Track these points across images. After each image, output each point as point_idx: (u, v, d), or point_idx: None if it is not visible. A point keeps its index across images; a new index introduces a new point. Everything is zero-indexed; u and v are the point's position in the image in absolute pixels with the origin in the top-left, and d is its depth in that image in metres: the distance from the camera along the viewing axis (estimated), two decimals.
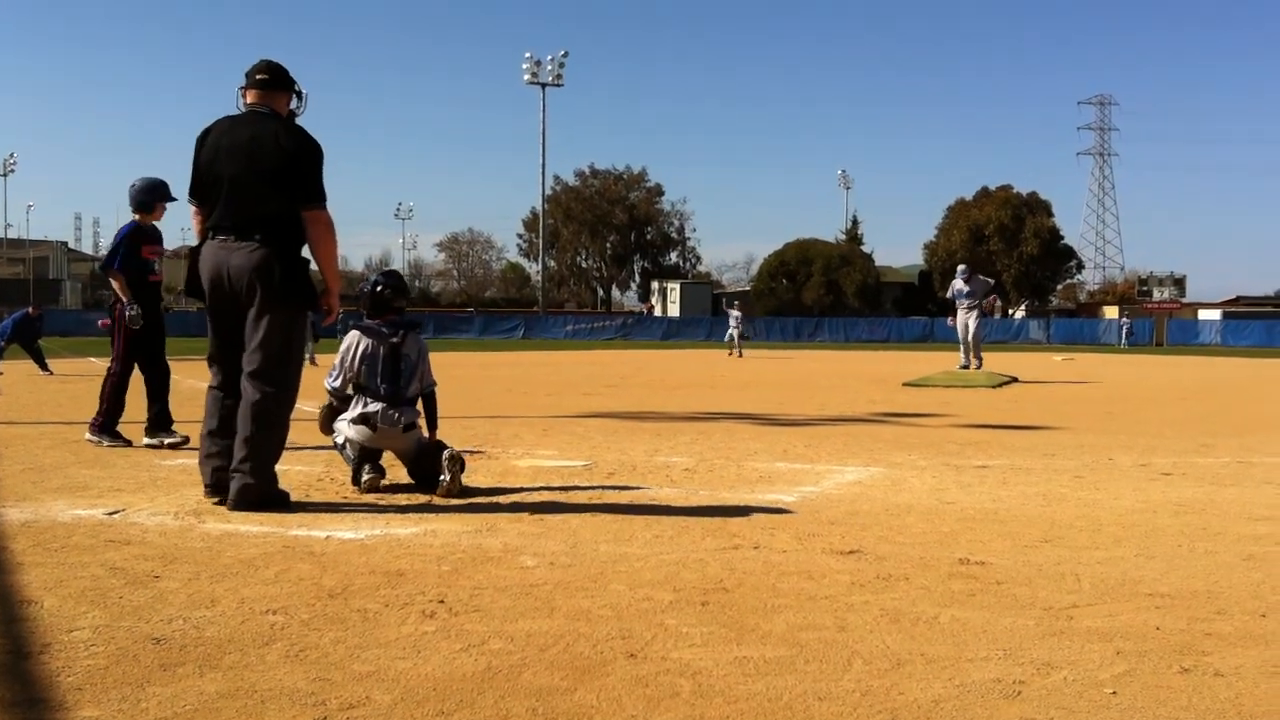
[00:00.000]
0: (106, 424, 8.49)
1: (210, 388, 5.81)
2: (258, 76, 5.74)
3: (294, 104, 5.88)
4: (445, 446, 6.14)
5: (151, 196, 8.63)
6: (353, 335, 6.34)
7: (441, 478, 5.98)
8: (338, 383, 6.36)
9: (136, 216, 8.68)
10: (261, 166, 5.55)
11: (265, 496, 5.61)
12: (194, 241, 6.02)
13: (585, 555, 4.63)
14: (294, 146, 5.59)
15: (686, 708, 2.83)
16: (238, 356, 5.69)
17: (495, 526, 5.24)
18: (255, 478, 5.55)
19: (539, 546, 4.79)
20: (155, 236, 8.80)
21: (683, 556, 4.61)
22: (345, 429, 6.22)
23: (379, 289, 6.43)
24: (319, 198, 5.63)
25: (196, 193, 5.78)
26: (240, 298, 5.58)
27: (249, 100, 5.75)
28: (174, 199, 8.51)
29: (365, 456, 6.21)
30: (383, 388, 6.19)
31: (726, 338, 38.27)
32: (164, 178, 8.79)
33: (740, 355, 36.17)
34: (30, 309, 23.22)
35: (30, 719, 2.71)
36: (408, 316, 6.55)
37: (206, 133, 5.76)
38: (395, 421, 6.14)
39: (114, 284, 8.57)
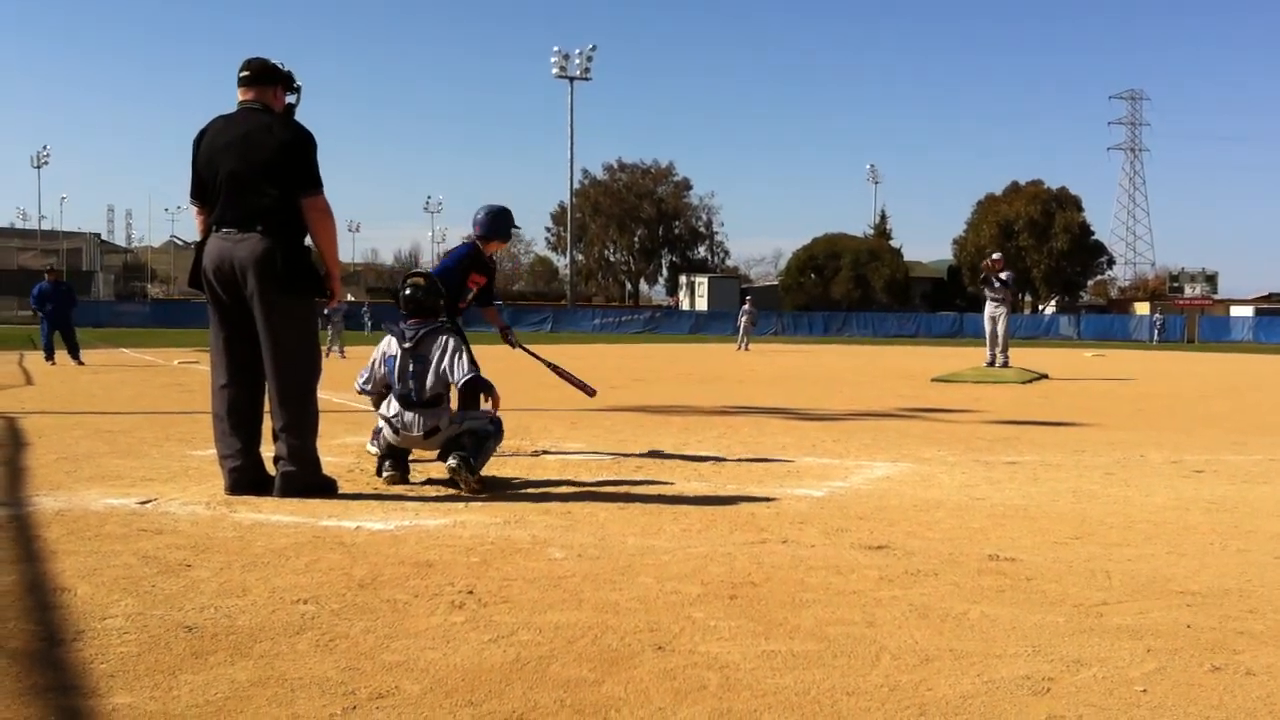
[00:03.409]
0: None
1: (219, 387, 5.82)
2: (243, 74, 5.84)
3: (290, 98, 5.94)
4: (454, 454, 6.01)
5: (494, 229, 7.81)
6: (386, 338, 6.34)
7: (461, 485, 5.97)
8: (367, 385, 6.37)
9: (478, 241, 7.80)
10: (257, 160, 5.63)
11: (310, 483, 5.70)
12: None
13: (613, 548, 4.63)
14: (287, 137, 5.68)
15: (714, 701, 2.83)
16: (242, 347, 5.76)
17: (524, 518, 5.25)
18: (297, 465, 5.68)
19: (567, 539, 4.80)
20: (485, 268, 7.85)
21: (710, 550, 4.61)
22: (379, 418, 6.23)
23: (406, 292, 6.38)
24: (315, 184, 5.71)
25: (197, 193, 5.85)
26: (245, 288, 5.65)
27: (241, 98, 5.85)
28: (517, 228, 7.98)
29: (391, 453, 6.23)
30: (398, 387, 6.18)
31: (740, 333, 38.33)
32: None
33: (746, 349, 36.21)
34: (46, 274, 22.56)
35: (64, 706, 2.74)
36: (442, 320, 6.47)
37: (202, 134, 5.85)
38: (412, 427, 6.11)
39: None
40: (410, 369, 6.18)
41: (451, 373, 6.23)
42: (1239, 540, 5.04)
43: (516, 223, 7.95)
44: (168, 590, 3.83)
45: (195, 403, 11.33)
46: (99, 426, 9.25)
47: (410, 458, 6.49)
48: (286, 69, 5.94)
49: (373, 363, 6.35)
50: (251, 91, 5.82)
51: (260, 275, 5.58)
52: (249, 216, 5.63)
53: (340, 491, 5.83)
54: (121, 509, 5.35)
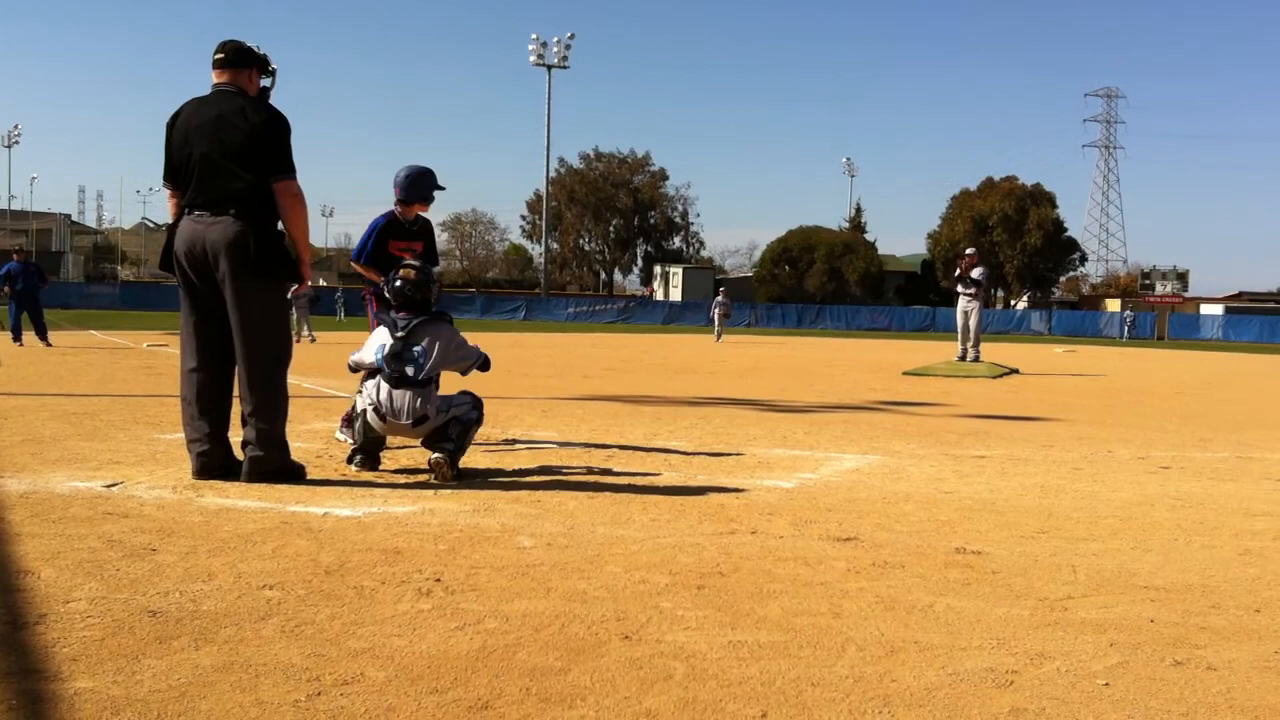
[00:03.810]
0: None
1: (188, 371, 5.78)
2: (217, 56, 5.79)
3: (265, 81, 5.90)
4: (441, 446, 5.97)
5: (413, 192, 7.39)
6: (380, 329, 6.26)
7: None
8: (356, 364, 6.28)
9: (396, 208, 7.41)
10: (230, 142, 5.60)
11: (279, 468, 5.68)
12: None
13: (582, 537, 4.63)
14: (260, 120, 5.64)
15: (680, 690, 2.83)
16: (213, 331, 5.73)
17: (493, 507, 5.24)
18: (265, 449, 5.65)
19: (536, 527, 4.79)
20: (409, 232, 7.45)
21: (679, 540, 4.62)
22: (363, 401, 6.14)
23: (396, 284, 6.26)
24: (288, 169, 5.67)
25: (170, 176, 5.80)
26: (216, 271, 5.61)
27: (215, 80, 5.81)
28: (442, 188, 7.47)
29: (367, 445, 6.17)
30: (388, 370, 6.07)
31: (715, 325, 38.42)
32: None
33: (718, 340, 36.25)
34: (14, 254, 22.06)
35: (26, 689, 2.71)
36: (434, 310, 6.36)
37: (176, 116, 5.80)
38: (401, 414, 5.99)
39: (362, 273, 7.49)
40: (404, 355, 6.11)
41: (465, 356, 6.34)
42: (1203, 536, 5.08)
43: (442, 183, 7.47)
44: (132, 574, 3.80)
45: (164, 386, 11.24)
46: (66, 409, 9.17)
47: (382, 448, 6.42)
48: (262, 52, 5.89)
49: (366, 348, 6.25)
50: (226, 74, 5.77)
51: (232, 258, 5.55)
52: (221, 199, 5.59)
53: (308, 477, 5.80)
54: (87, 492, 5.31)
